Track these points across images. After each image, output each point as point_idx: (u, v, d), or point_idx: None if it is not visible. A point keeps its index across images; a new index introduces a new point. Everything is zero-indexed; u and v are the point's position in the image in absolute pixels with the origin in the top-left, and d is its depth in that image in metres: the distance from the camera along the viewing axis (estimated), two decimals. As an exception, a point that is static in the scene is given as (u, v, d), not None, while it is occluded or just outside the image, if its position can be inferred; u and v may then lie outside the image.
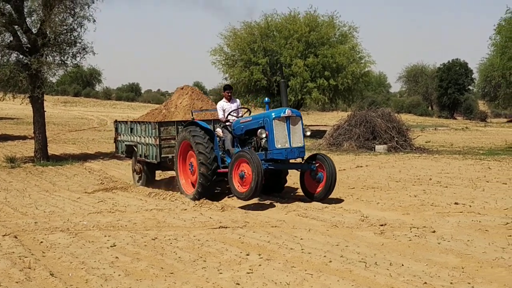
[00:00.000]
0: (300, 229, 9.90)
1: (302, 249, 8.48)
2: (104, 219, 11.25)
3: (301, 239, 9.17)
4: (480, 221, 10.17)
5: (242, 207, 12.21)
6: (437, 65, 79.82)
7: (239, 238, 9.35)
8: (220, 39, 43.66)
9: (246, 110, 14.41)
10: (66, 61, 24.03)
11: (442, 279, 6.97)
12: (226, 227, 10.17)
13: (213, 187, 13.27)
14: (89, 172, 19.90)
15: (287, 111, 12.25)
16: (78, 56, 23.94)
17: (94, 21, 23.55)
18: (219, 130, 13.46)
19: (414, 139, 29.50)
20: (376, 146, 27.02)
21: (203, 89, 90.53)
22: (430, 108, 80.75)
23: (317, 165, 12.50)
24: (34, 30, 23.15)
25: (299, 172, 13.02)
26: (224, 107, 13.79)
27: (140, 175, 16.42)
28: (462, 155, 24.38)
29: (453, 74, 72.26)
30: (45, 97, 25.36)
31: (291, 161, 12.81)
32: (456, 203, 11.86)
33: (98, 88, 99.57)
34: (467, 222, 10.17)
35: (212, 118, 15.39)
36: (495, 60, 32.89)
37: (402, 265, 7.59)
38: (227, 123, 13.64)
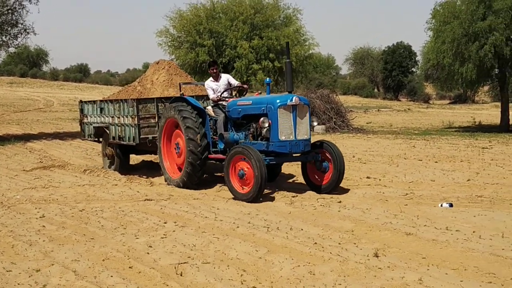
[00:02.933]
0: (218, 201, 10.78)
1: (215, 218, 9.33)
2: (37, 193, 11.88)
3: (217, 209, 10.02)
4: (383, 193, 11.17)
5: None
6: (382, 48, 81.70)
7: (161, 209, 10.14)
8: (166, 21, 43.97)
9: (240, 87, 12.89)
10: (8, 42, 24.26)
11: (332, 240, 7.88)
12: (151, 200, 10.95)
13: (203, 169, 12.09)
14: (30, 151, 20.32)
15: (295, 99, 10.89)
16: (19, 37, 24.18)
17: (37, 2, 23.78)
18: (209, 109, 12.36)
19: (352, 119, 30.68)
20: (314, 126, 28.01)
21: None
22: (375, 90, 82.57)
23: (321, 154, 11.40)
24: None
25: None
26: (212, 87, 12.55)
27: (111, 159, 15.21)
28: (396, 135, 25.54)
29: (397, 56, 74.03)
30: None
31: None
32: (368, 177, 12.87)
33: (45, 68, 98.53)
34: (372, 193, 11.17)
35: (202, 94, 14.29)
36: (430, 44, 34.12)
37: (302, 229, 8.49)
38: (220, 102, 12.40)
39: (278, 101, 10.90)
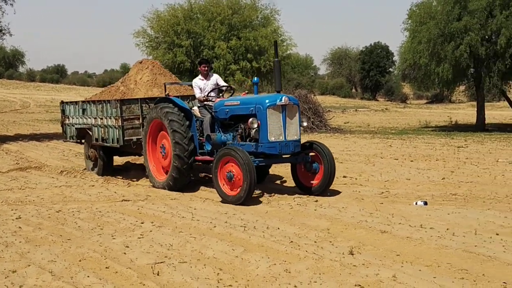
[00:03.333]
0: (196, 201, 10.83)
1: (192, 217, 9.36)
2: (13, 195, 11.82)
3: (195, 209, 10.06)
4: (359, 192, 11.29)
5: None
6: (360, 48, 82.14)
7: (138, 209, 10.15)
8: (143, 21, 43.81)
9: (228, 88, 12.70)
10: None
11: (308, 239, 7.95)
12: (128, 200, 10.95)
13: (189, 172, 11.89)
14: (6, 153, 20.14)
15: (284, 99, 10.63)
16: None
17: (13, 3, 23.62)
18: (195, 109, 12.10)
19: (330, 119, 30.87)
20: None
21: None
22: (353, 90, 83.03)
23: (312, 155, 11.20)
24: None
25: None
26: (200, 85, 12.24)
27: (94, 162, 14.84)
28: (373, 134, 25.76)
29: (375, 56, 74.54)
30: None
31: None
32: (344, 176, 12.98)
33: (21, 69, 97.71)
34: (348, 192, 11.28)
35: (188, 94, 14.03)
36: (407, 44, 34.39)
37: (278, 228, 8.56)
38: (206, 103, 12.06)
39: (267, 101, 10.65)
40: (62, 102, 16.31)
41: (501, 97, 44.90)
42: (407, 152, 17.58)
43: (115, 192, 11.84)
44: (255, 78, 12.04)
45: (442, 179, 12.56)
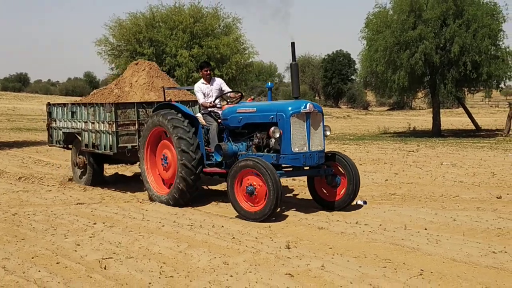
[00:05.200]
0: (148, 203, 11.26)
1: (143, 218, 9.83)
2: (-29, 200, 12.11)
3: (146, 210, 10.54)
4: (305, 192, 11.81)
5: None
6: (322, 56, 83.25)
7: (91, 211, 10.57)
8: (105, 30, 43.98)
9: (238, 94, 11.55)
10: None
11: (250, 235, 8.49)
12: (83, 203, 11.36)
13: (196, 184, 10.82)
14: (-34, 160, 20.27)
15: (309, 106, 9.73)
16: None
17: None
18: (199, 116, 11.14)
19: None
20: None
21: (95, 79, 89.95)
22: (316, 97, 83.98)
23: (333, 167, 10.27)
24: None
25: None
26: (203, 90, 11.30)
27: (83, 169, 13.91)
28: (330, 140, 26.39)
29: (337, 64, 75.72)
30: None
31: None
32: (293, 179, 13.53)
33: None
34: (295, 193, 11.91)
35: (187, 100, 13.21)
36: (365, 52, 35.28)
37: (223, 226, 9.09)
38: (212, 109, 11.12)
39: (290, 108, 9.69)
40: (49, 104, 15.24)
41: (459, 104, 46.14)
42: (358, 157, 18.25)
43: (70, 196, 12.23)
44: (269, 82, 11.40)
45: (385, 180, 13.23)
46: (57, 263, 7.32)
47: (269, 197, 9.10)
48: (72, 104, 14.10)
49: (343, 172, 10.10)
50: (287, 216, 9.72)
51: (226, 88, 11.67)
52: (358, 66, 70.33)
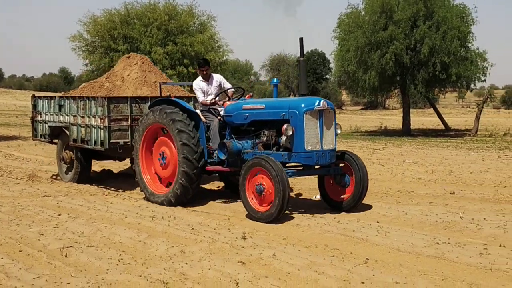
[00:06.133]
0: (111, 196, 11.55)
1: (107, 210, 10.13)
2: None
3: (111, 203, 10.82)
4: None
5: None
6: (297, 55, 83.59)
7: (57, 203, 10.82)
8: (79, 26, 43.91)
9: (240, 91, 11.42)
10: None
11: (209, 227, 8.83)
12: (49, 196, 11.59)
13: (199, 180, 10.59)
14: None
15: (322, 103, 9.47)
16: None
17: None
18: (198, 113, 10.83)
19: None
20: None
21: (70, 75, 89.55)
22: (291, 95, 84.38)
23: (342, 166, 10.05)
24: None
25: None
26: (203, 88, 11.01)
27: (69, 165, 13.50)
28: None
29: (311, 63, 75.89)
30: None
31: None
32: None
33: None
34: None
35: (181, 96, 12.73)
36: (337, 52, 35.72)
37: (183, 218, 9.41)
38: (213, 106, 10.87)
39: (303, 105, 9.41)
40: (34, 97, 14.78)
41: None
42: (325, 154, 18.61)
43: (38, 189, 12.44)
44: (275, 79, 11.02)
45: (347, 176, 13.61)
46: (20, 251, 7.58)
47: (276, 197, 8.85)
48: (60, 97, 13.69)
49: (352, 171, 9.83)
50: (244, 209, 10.03)
51: (227, 85, 11.29)
52: (332, 65, 71.24)
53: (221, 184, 12.66)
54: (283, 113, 9.59)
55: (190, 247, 7.66)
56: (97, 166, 15.06)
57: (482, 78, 33.74)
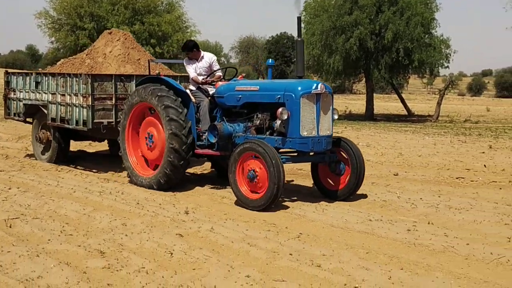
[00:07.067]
0: (65, 171, 11.74)
1: (57, 185, 10.34)
2: None
3: (62, 178, 11.03)
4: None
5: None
6: (266, 38, 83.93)
7: (9, 178, 10.98)
8: (45, 2, 43.52)
9: (232, 71, 11.01)
10: None
11: (155, 202, 9.14)
12: (2, 171, 11.72)
13: (185, 168, 10.30)
14: None
15: (320, 86, 8.98)
16: None
17: None
18: (188, 92, 10.34)
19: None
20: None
21: (37, 53, 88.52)
22: (260, 78, 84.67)
23: (337, 154, 9.59)
24: None
25: None
26: (192, 65, 10.54)
27: (46, 145, 12.92)
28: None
29: (280, 46, 76.26)
30: None
31: None
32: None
33: None
34: (203, 167, 12.48)
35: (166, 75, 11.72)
36: (303, 35, 35.98)
37: (131, 193, 9.69)
38: (205, 86, 10.41)
39: (299, 88, 8.92)
40: (7, 73, 13.94)
41: (400, 89, 47.34)
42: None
43: (-9, 164, 12.59)
44: (270, 59, 10.56)
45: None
46: (-35, 221, 7.78)
47: (270, 184, 8.43)
48: (37, 73, 12.97)
49: (347, 158, 9.48)
50: (194, 186, 10.36)
51: (215, 67, 10.74)
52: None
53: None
54: (279, 96, 9.11)
55: (132, 220, 7.93)
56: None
57: (445, 65, 34.34)
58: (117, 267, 5.99)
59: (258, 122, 9.50)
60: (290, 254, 6.48)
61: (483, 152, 15.58)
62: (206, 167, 12.52)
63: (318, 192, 9.88)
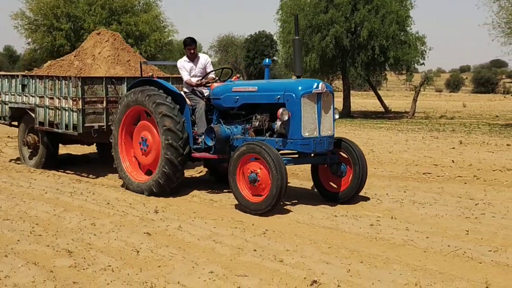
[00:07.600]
0: (37, 173, 11.83)
1: (29, 186, 10.45)
2: None
3: (34, 180, 11.15)
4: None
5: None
6: (245, 36, 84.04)
7: (-16, 180, 11.08)
8: (22, 3, 43.37)
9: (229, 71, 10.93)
10: None
11: (126, 202, 9.29)
12: (-21, 174, 11.81)
13: (184, 168, 9.88)
14: None
15: (321, 86, 8.75)
16: None
17: None
18: (183, 95, 10.13)
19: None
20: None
21: (15, 54, 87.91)
22: (241, 78, 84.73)
23: (338, 155, 9.34)
24: None
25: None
26: (187, 68, 10.24)
27: (33, 150, 12.60)
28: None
29: (259, 45, 76.48)
30: None
31: None
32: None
33: None
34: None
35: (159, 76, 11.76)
36: (280, 34, 36.21)
37: (102, 194, 9.81)
38: (200, 88, 10.20)
39: (300, 88, 8.70)
40: None
41: (378, 86, 47.77)
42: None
43: (-36, 167, 12.65)
44: (267, 59, 10.10)
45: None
46: None
47: (273, 187, 8.22)
48: (24, 75, 12.58)
49: (348, 160, 9.21)
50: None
51: (211, 68, 10.57)
52: (279, 47, 71.80)
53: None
54: (278, 96, 8.86)
55: (101, 220, 8.07)
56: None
57: (421, 62, 34.68)
58: (83, 265, 6.13)
59: (257, 123, 9.27)
60: (254, 250, 6.65)
61: (453, 148, 15.88)
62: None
63: (292, 191, 10.02)
